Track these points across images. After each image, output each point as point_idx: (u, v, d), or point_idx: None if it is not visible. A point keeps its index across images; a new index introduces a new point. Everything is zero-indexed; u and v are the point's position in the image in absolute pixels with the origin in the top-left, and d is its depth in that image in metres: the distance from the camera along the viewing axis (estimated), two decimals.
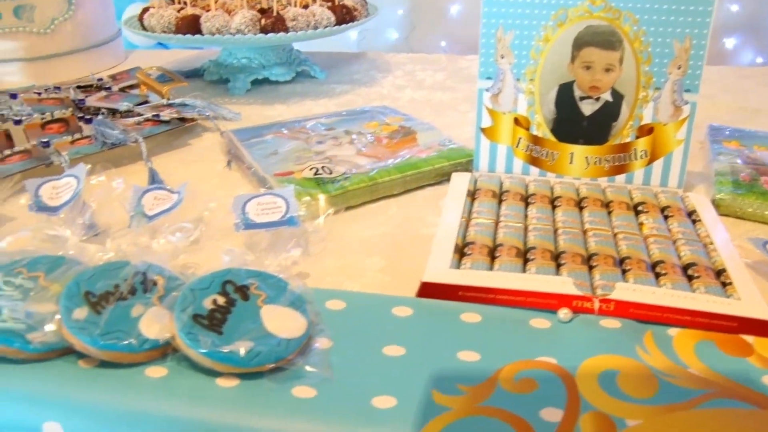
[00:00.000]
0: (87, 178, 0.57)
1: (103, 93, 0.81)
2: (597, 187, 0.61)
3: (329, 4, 0.86)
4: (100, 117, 0.74)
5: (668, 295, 0.47)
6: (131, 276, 0.47)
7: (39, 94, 0.82)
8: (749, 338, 0.45)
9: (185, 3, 0.85)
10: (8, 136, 0.71)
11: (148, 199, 0.56)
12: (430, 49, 1.48)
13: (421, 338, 0.45)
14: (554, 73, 0.60)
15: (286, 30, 0.79)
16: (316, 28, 0.81)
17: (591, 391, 0.41)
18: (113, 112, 0.77)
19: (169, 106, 0.77)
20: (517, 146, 0.63)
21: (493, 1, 0.59)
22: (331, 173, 0.60)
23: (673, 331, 0.46)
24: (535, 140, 0.62)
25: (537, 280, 0.48)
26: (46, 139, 0.70)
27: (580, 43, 0.59)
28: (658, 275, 0.49)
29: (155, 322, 0.44)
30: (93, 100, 0.78)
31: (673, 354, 0.44)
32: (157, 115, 0.73)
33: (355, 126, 0.72)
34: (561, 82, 0.60)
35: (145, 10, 0.86)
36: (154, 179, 0.65)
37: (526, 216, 0.57)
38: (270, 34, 0.78)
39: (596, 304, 0.47)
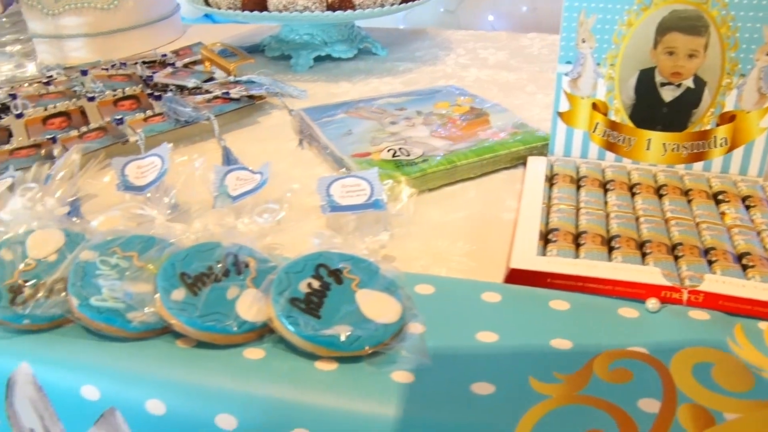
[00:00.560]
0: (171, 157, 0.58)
1: (169, 69, 0.82)
2: (674, 174, 0.60)
3: None
4: (169, 94, 0.75)
5: (759, 288, 0.46)
6: (223, 258, 0.48)
7: (106, 70, 0.83)
8: None
9: None
10: (83, 112, 0.72)
11: (231, 180, 0.57)
12: (478, 23, 1.46)
13: (512, 325, 0.46)
14: (635, 58, 0.59)
15: (353, 7, 0.79)
16: (382, 5, 0.80)
17: (686, 383, 0.41)
18: (181, 88, 0.78)
19: (236, 83, 0.77)
20: (593, 131, 0.62)
21: None
22: (408, 155, 0.61)
23: (763, 325, 0.46)
24: (613, 125, 0.61)
25: (625, 270, 0.48)
26: (119, 116, 0.71)
27: (663, 28, 0.58)
28: (744, 267, 0.49)
29: (252, 305, 0.45)
30: (161, 77, 0.79)
31: (765, 348, 0.44)
32: (227, 93, 0.74)
33: (426, 106, 0.72)
34: (642, 67, 0.59)
35: None
36: (228, 158, 0.65)
37: (606, 202, 0.57)
38: (338, 12, 0.78)
39: (685, 295, 0.47)
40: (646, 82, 0.60)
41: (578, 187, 0.59)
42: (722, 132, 0.59)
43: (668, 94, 0.59)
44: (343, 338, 0.42)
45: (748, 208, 0.56)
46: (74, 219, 0.55)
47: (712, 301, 0.46)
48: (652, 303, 0.47)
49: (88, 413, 0.45)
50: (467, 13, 1.47)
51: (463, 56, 0.92)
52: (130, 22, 0.94)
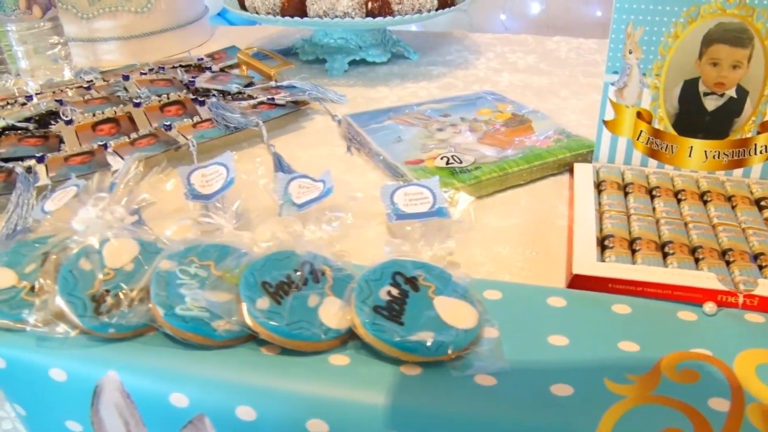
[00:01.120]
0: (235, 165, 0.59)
1: (208, 74, 0.83)
2: (716, 181, 0.63)
3: None
4: (213, 99, 0.76)
5: None
6: (300, 266, 0.50)
7: (145, 74, 0.84)
8: None
9: None
10: (130, 118, 0.73)
11: (293, 188, 0.58)
12: (490, 22, 1.48)
13: (580, 328, 0.48)
14: (681, 69, 0.61)
15: (392, 13, 0.80)
16: (420, 11, 0.82)
17: (752, 384, 0.44)
18: (223, 93, 0.79)
19: (278, 88, 0.79)
20: (637, 139, 0.65)
21: None
22: (461, 162, 0.63)
23: None
24: (656, 133, 0.64)
25: (683, 275, 0.51)
26: (168, 122, 0.72)
27: (709, 40, 0.60)
28: None
29: (334, 312, 0.47)
30: (202, 82, 0.80)
31: None
32: (272, 98, 0.75)
33: (469, 113, 0.73)
34: (686, 77, 0.62)
35: None
36: (280, 164, 0.67)
37: (654, 209, 0.59)
38: (378, 18, 0.79)
39: (740, 299, 0.49)
40: (690, 92, 0.62)
41: (626, 194, 0.61)
42: (763, 140, 0.62)
43: (711, 104, 0.62)
44: (429, 344, 0.44)
45: None
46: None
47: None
48: (710, 307, 0.49)
49: (174, 420, 0.47)
50: (479, 12, 1.49)
51: (493, 60, 0.94)
52: (161, 25, 0.95)
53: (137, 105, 0.75)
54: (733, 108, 0.62)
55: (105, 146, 0.69)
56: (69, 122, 0.72)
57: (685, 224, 0.57)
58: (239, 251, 0.52)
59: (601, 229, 0.57)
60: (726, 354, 0.46)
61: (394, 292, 0.48)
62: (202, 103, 0.76)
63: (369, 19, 0.79)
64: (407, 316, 0.46)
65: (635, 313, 0.50)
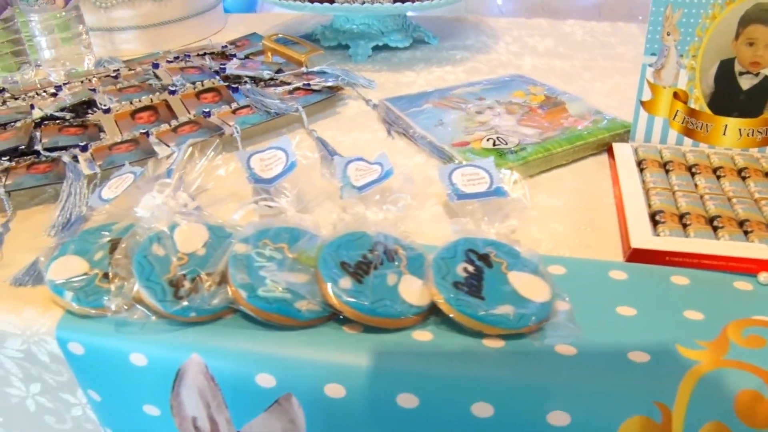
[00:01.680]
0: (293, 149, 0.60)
1: (236, 61, 0.83)
2: (751, 158, 0.65)
3: None
4: (248, 86, 0.76)
5: None
6: (374, 246, 0.51)
7: (170, 62, 0.84)
8: None
9: None
10: (168, 106, 0.73)
11: (351, 170, 0.60)
12: (485, 5, 1.50)
13: (644, 299, 0.50)
14: (717, 49, 0.64)
15: None
16: None
17: None
18: (255, 80, 0.79)
19: (309, 74, 0.79)
20: (673, 118, 0.67)
21: None
22: (506, 144, 0.64)
23: None
24: (692, 113, 0.66)
25: (737, 247, 0.53)
26: (207, 109, 0.72)
27: (746, 20, 0.62)
28: None
29: (415, 290, 0.48)
30: (232, 68, 0.80)
31: None
32: (308, 84, 0.76)
33: (503, 95, 0.75)
34: (722, 58, 0.64)
35: None
36: (326, 148, 0.68)
37: (696, 185, 0.62)
38: (407, 3, 0.80)
39: None
40: (725, 72, 0.64)
41: (666, 171, 0.64)
42: None
43: (746, 83, 0.64)
44: (511, 317, 0.46)
45: None
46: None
47: None
48: (764, 276, 0.52)
49: (259, 400, 0.48)
50: None
51: (512, 44, 0.96)
52: (179, 14, 0.95)
53: (173, 92, 0.75)
54: (767, 87, 0.64)
55: (147, 134, 0.69)
56: (107, 111, 0.72)
57: (728, 199, 0.60)
58: (309, 233, 0.53)
59: (649, 205, 0.59)
60: None
61: (470, 268, 0.49)
62: (236, 90, 0.76)
63: (398, 4, 0.80)
64: (486, 291, 0.48)
65: (694, 284, 0.52)
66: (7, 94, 0.78)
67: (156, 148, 0.66)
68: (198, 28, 0.99)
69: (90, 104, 0.74)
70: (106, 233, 0.55)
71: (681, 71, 0.65)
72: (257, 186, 0.58)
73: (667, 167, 0.64)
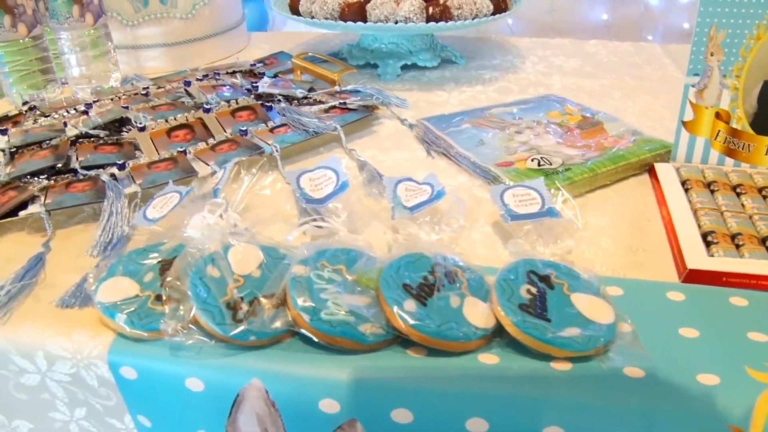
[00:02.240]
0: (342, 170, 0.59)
1: (267, 79, 0.82)
2: None
3: None
4: (283, 104, 0.76)
5: None
6: (434, 268, 0.51)
7: (199, 80, 0.83)
8: None
9: None
10: (203, 124, 0.73)
11: (401, 190, 0.59)
12: (497, 26, 1.51)
13: (705, 320, 0.50)
14: (760, 69, 0.64)
15: (452, 18, 0.82)
16: (476, 16, 0.83)
17: None
18: (288, 99, 0.79)
19: (342, 93, 0.79)
20: (715, 138, 0.67)
21: (710, 2, 0.62)
22: (551, 164, 0.64)
23: None
24: (734, 133, 0.66)
25: None
26: (244, 128, 0.71)
27: None
28: None
29: (479, 312, 0.48)
30: (265, 86, 0.79)
31: None
32: (344, 103, 0.75)
33: (539, 115, 0.75)
34: (766, 78, 0.64)
35: None
36: (365, 168, 0.67)
37: (743, 205, 0.62)
38: (440, 23, 0.80)
39: None
40: None
41: (711, 192, 0.64)
42: None
43: None
44: (579, 339, 0.45)
45: None
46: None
47: None
48: None
49: (321, 426, 0.47)
50: None
51: (538, 64, 0.96)
52: (205, 32, 0.95)
53: (208, 110, 0.74)
54: None
55: (184, 152, 0.68)
56: (142, 129, 0.71)
57: None
58: (367, 255, 0.52)
59: (699, 226, 0.59)
60: None
61: (533, 290, 0.49)
62: (270, 108, 0.76)
63: (432, 24, 0.80)
64: (551, 313, 0.47)
65: (753, 305, 0.51)
66: (37, 112, 0.77)
67: (195, 167, 0.66)
68: (223, 46, 0.99)
69: (122, 122, 0.73)
70: (155, 254, 0.54)
71: (724, 91, 0.65)
72: (308, 206, 0.57)
73: (712, 187, 0.64)
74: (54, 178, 0.65)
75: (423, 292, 0.48)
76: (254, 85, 0.80)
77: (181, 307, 0.49)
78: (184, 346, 0.48)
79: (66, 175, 0.65)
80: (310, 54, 0.87)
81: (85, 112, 0.76)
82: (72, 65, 0.83)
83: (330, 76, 0.81)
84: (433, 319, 0.46)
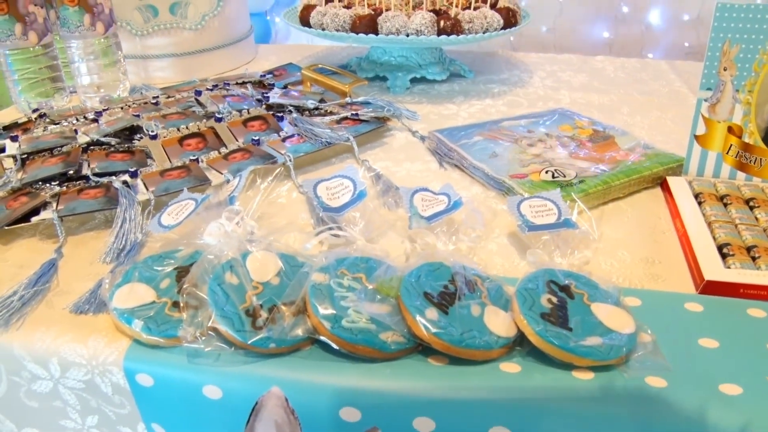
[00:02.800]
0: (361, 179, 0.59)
1: (277, 90, 0.83)
2: None
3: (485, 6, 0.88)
4: (295, 115, 0.76)
5: None
6: (453, 277, 0.50)
7: (209, 90, 0.83)
8: None
9: (349, 2, 0.87)
10: (216, 133, 0.73)
11: (417, 200, 0.59)
12: (499, 42, 1.52)
13: (724, 331, 0.50)
14: None
15: (463, 32, 0.82)
16: (487, 30, 0.84)
17: None
18: (300, 109, 0.79)
19: (353, 104, 0.79)
20: (727, 152, 0.67)
21: (724, 17, 0.63)
22: (565, 176, 0.64)
23: None
24: (746, 147, 0.67)
25: None
26: (256, 137, 0.71)
27: None
28: None
29: (501, 321, 0.48)
30: (275, 97, 0.79)
31: None
32: (356, 114, 0.76)
33: (551, 129, 0.75)
34: None
35: (307, 8, 0.88)
36: (380, 179, 0.67)
37: (756, 218, 0.62)
38: (452, 36, 0.81)
39: None
40: None
41: (724, 205, 0.64)
42: None
43: None
44: (602, 348, 0.45)
45: None
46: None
47: None
48: None
49: None
50: None
51: (546, 79, 0.97)
52: (213, 43, 0.95)
53: (219, 120, 0.74)
54: None
55: (197, 161, 0.68)
56: (154, 137, 0.71)
57: None
58: (386, 264, 0.52)
59: (714, 238, 0.59)
60: None
61: (554, 299, 0.49)
62: (281, 119, 0.76)
63: (444, 37, 0.81)
64: (572, 322, 0.47)
65: None
66: (47, 120, 0.77)
67: (207, 175, 0.65)
68: (231, 57, 0.99)
69: (132, 130, 0.73)
70: (171, 261, 0.54)
71: (736, 106, 0.66)
72: (325, 215, 0.57)
73: (725, 200, 0.64)
74: (66, 184, 0.65)
75: (444, 301, 0.48)
76: (265, 95, 0.80)
77: (200, 314, 0.49)
78: (202, 353, 0.48)
79: (78, 182, 0.65)
80: (320, 66, 0.87)
81: (95, 120, 0.76)
82: (82, 74, 0.83)
83: (341, 87, 0.81)
84: (455, 328, 0.46)
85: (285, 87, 0.87)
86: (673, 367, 0.46)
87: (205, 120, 0.74)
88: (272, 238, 0.56)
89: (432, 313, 0.47)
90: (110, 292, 0.51)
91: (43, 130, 0.74)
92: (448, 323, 0.46)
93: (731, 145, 0.67)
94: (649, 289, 0.54)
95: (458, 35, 0.81)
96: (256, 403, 0.47)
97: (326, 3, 0.88)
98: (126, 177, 0.65)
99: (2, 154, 0.70)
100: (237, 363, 0.47)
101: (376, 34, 0.82)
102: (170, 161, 0.68)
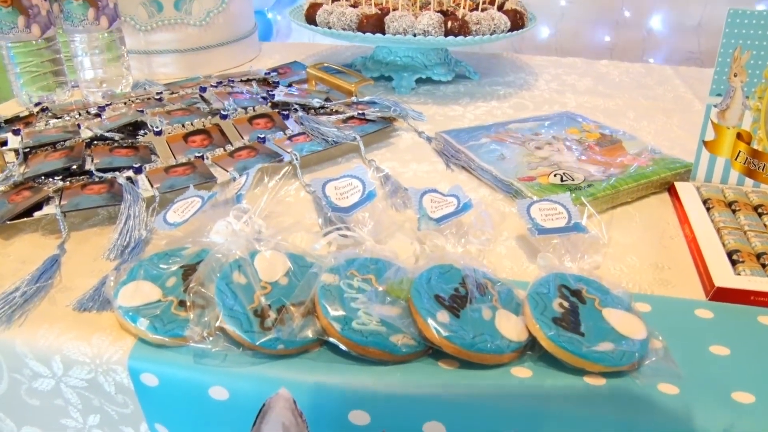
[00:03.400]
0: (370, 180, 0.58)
1: (283, 88, 0.82)
2: None
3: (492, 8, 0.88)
4: (300, 113, 0.75)
5: None
6: (465, 280, 0.50)
7: (214, 86, 0.83)
8: None
9: (356, 2, 0.86)
10: (221, 130, 0.72)
11: (426, 202, 0.58)
12: (500, 45, 1.51)
13: (735, 338, 0.49)
14: None
15: (471, 33, 0.82)
16: (494, 32, 0.83)
17: None
18: (305, 108, 0.78)
19: (359, 104, 0.78)
20: (735, 159, 0.67)
21: (735, 23, 0.63)
22: (573, 180, 0.64)
23: None
24: (754, 153, 0.67)
25: None
26: (262, 135, 0.71)
27: None
28: None
29: (511, 325, 0.47)
30: (281, 95, 0.79)
31: None
32: (362, 113, 0.75)
33: (559, 132, 0.75)
34: None
35: (313, 6, 0.87)
36: (388, 179, 0.67)
37: (765, 225, 0.62)
38: (459, 37, 0.80)
39: None
40: None
41: (733, 211, 0.64)
42: None
43: None
44: (614, 354, 0.45)
45: None
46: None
47: None
48: None
49: None
50: None
51: (551, 82, 0.97)
52: (217, 39, 0.94)
53: (224, 117, 0.73)
54: None
55: (202, 157, 0.67)
56: (159, 133, 0.70)
57: None
58: (396, 265, 0.51)
59: (723, 244, 0.58)
60: None
61: (565, 304, 0.48)
62: (286, 117, 0.75)
63: (451, 38, 0.80)
64: (584, 327, 0.47)
65: None
66: (49, 114, 0.76)
67: (213, 173, 0.65)
68: (235, 54, 0.98)
69: (135, 126, 0.72)
70: (177, 259, 0.53)
71: (746, 112, 0.66)
72: (334, 215, 0.56)
73: (733, 207, 0.64)
74: (69, 179, 0.64)
75: (455, 304, 0.48)
76: (270, 93, 0.79)
77: (207, 314, 0.48)
78: (209, 353, 0.47)
79: (81, 177, 0.64)
80: (325, 64, 0.86)
81: (98, 115, 0.75)
82: (85, 68, 0.82)
83: (347, 86, 0.80)
84: (466, 331, 0.45)
85: (290, 85, 0.86)
86: (685, 374, 0.46)
87: (210, 117, 0.74)
88: (280, 237, 0.55)
89: (443, 316, 0.46)
90: (115, 289, 0.50)
91: (45, 124, 0.73)
92: (460, 326, 0.46)
93: (740, 151, 0.67)
94: (659, 295, 0.54)
95: (465, 36, 0.81)
96: (264, 405, 0.47)
97: (333, 1, 0.88)
98: (130, 173, 0.64)
99: (4, 148, 0.69)
100: (244, 364, 0.46)
101: (383, 33, 0.82)
102: (175, 158, 0.67)
